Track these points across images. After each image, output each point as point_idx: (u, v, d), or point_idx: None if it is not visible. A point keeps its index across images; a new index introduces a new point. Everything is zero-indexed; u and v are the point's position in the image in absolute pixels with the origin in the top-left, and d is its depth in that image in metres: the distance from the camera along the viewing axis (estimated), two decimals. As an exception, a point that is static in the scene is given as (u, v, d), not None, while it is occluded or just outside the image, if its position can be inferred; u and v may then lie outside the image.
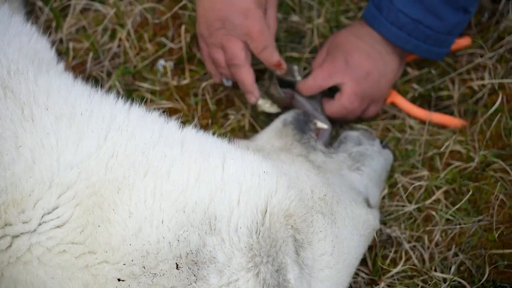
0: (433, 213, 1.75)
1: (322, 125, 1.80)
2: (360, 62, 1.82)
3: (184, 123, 1.51)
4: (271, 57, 1.76)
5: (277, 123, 1.78)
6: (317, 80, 1.83)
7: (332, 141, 1.84)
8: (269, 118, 1.88)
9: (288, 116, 1.78)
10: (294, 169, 1.51)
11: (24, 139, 1.26)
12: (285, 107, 1.85)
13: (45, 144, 1.27)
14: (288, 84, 1.87)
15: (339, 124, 1.92)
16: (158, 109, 1.76)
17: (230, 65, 1.76)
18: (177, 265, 1.27)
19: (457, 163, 1.80)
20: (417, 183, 1.77)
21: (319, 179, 1.51)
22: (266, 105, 1.85)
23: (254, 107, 1.88)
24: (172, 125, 1.45)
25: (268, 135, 1.75)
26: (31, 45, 1.45)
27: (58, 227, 1.26)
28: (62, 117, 1.31)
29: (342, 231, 1.49)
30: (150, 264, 1.27)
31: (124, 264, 1.26)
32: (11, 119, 1.26)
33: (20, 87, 1.31)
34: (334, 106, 1.83)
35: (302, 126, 1.75)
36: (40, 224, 1.26)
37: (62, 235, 1.26)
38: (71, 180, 1.27)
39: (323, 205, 1.46)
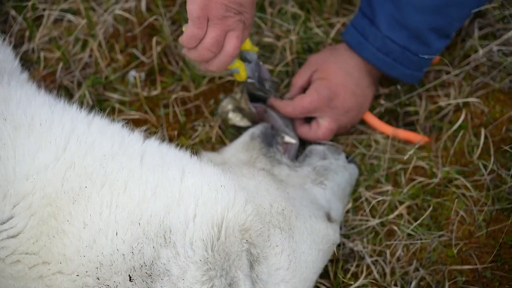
0: (395, 228, 1.77)
1: (290, 139, 1.82)
2: (344, 102, 1.85)
3: (152, 134, 1.54)
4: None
5: (244, 137, 1.80)
6: (296, 110, 1.85)
7: (298, 154, 1.86)
8: (239, 131, 1.90)
9: (256, 130, 1.80)
10: (254, 183, 1.53)
11: (-21, 150, 1.27)
12: (252, 124, 1.87)
13: (1, 155, 1.28)
14: (259, 98, 1.88)
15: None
16: (127, 120, 1.79)
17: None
18: (130, 277, 1.28)
19: (420, 179, 1.82)
20: (381, 198, 1.79)
21: (278, 193, 1.53)
22: (236, 119, 1.87)
23: (224, 120, 1.90)
24: (134, 136, 1.47)
25: (236, 148, 1.77)
26: (-8, 55, 1.46)
27: (12, 237, 1.27)
28: (21, 128, 1.33)
29: (300, 245, 1.50)
30: (104, 276, 1.28)
31: (78, 275, 1.28)
32: (-34, 131, 1.28)
33: (-23, 97, 1.32)
34: (309, 135, 1.87)
35: (269, 140, 1.77)
36: (-6, 234, 1.27)
37: (16, 245, 1.27)
38: (26, 190, 1.29)
39: (281, 219, 1.48)
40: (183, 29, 1.57)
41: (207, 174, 1.40)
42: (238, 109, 1.86)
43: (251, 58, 1.78)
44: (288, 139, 1.83)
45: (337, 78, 1.85)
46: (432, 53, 1.81)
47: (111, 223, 1.30)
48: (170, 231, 1.31)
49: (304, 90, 1.89)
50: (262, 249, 1.40)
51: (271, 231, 1.44)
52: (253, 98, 1.87)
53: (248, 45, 1.75)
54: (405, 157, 1.79)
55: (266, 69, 1.86)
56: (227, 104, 1.87)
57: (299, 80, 1.90)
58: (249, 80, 1.79)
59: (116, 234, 1.29)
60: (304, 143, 1.89)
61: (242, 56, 1.78)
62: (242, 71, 1.74)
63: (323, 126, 1.86)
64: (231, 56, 1.58)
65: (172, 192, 1.35)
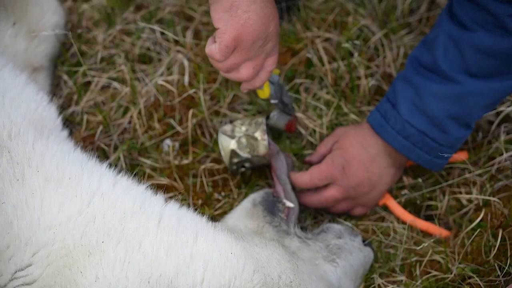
0: (406, 318, 1.77)
1: (290, 204, 1.85)
2: (356, 174, 1.91)
3: (179, 201, 1.61)
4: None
5: (246, 203, 1.84)
6: (314, 177, 1.92)
7: (313, 227, 1.90)
8: (231, 166, 1.95)
9: (257, 196, 1.85)
10: (266, 254, 1.57)
11: (9, 196, 1.36)
12: (253, 157, 1.91)
13: (29, 203, 1.37)
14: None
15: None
16: (156, 185, 1.88)
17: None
18: (134, 333, 1.32)
19: (435, 273, 1.83)
20: (392, 286, 1.80)
21: (289, 266, 1.57)
22: (240, 145, 1.91)
23: (224, 143, 1.92)
24: (155, 198, 1.55)
25: (239, 215, 1.81)
26: (38, 112, 1.58)
27: (27, 284, 1.34)
28: (51, 180, 1.42)
29: (305, 320, 1.53)
30: (110, 329, 1.33)
31: (84, 326, 1.33)
32: (1, 177, 1.37)
33: (17, 148, 1.43)
34: (313, 197, 1.91)
35: (271, 207, 1.82)
36: (11, 280, 1.34)
37: (29, 293, 1.34)
38: (47, 240, 1.36)
39: (289, 291, 1.51)
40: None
41: (219, 240, 1.46)
42: (247, 137, 1.90)
43: (273, 80, 1.87)
44: (288, 203, 1.86)
45: (353, 150, 1.92)
46: (451, 141, 1.85)
47: (122, 279, 1.36)
48: (177, 292, 1.36)
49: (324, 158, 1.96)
50: (265, 320, 1.43)
51: (277, 302, 1.47)
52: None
53: None
54: (419, 247, 1.81)
55: (286, 91, 1.95)
56: (231, 131, 1.92)
57: (323, 148, 1.99)
58: (272, 101, 1.88)
59: (126, 290, 1.35)
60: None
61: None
62: (266, 87, 1.83)
63: (329, 191, 1.92)
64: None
65: (183, 254, 1.41)
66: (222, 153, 1.94)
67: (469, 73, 1.79)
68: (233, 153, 1.92)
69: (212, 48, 1.63)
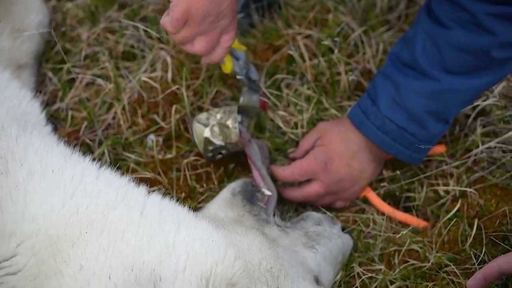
0: (384, 306, 1.82)
1: (268, 192, 1.89)
2: (338, 169, 1.96)
3: (163, 195, 1.65)
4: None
5: (226, 193, 1.87)
6: (295, 172, 1.97)
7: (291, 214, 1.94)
8: (206, 154, 1.99)
9: (236, 185, 1.88)
10: (247, 241, 1.61)
11: (-8, 189, 1.39)
12: (227, 144, 1.95)
13: (13, 196, 1.40)
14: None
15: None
16: (139, 179, 1.91)
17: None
18: (118, 320, 1.36)
19: (413, 262, 1.87)
20: (372, 275, 1.85)
21: (269, 252, 1.61)
22: (213, 133, 1.95)
23: (198, 131, 1.97)
24: (138, 190, 1.58)
25: (219, 204, 1.84)
26: (21, 107, 1.62)
27: (12, 274, 1.37)
28: (35, 173, 1.45)
29: (286, 304, 1.57)
30: (94, 317, 1.36)
31: (69, 315, 1.36)
32: (-16, 171, 1.40)
33: (1, 142, 1.46)
34: (295, 191, 1.95)
35: (250, 196, 1.85)
36: (-5, 270, 1.37)
37: (14, 282, 1.36)
38: (31, 231, 1.39)
39: (269, 277, 1.55)
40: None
41: (201, 229, 1.50)
42: (220, 125, 1.94)
43: (239, 56, 1.92)
44: (266, 192, 1.90)
45: (335, 146, 1.96)
46: (430, 136, 1.90)
47: (106, 267, 1.39)
48: (160, 280, 1.40)
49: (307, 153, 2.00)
50: (247, 304, 1.47)
51: (258, 287, 1.51)
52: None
53: (235, 43, 1.88)
54: (397, 236, 1.85)
55: (254, 68, 1.99)
56: (207, 119, 1.96)
57: (305, 143, 2.03)
58: (238, 77, 1.93)
59: (110, 278, 1.38)
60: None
61: (231, 53, 1.90)
62: (227, 62, 1.88)
63: (312, 186, 1.97)
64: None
65: (166, 243, 1.45)
66: (196, 140, 1.99)
67: (446, 70, 1.82)
68: (207, 141, 1.97)
69: (165, 20, 1.69)
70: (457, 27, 1.78)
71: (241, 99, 2.00)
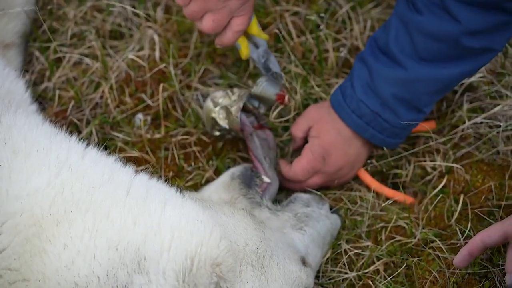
0: (371, 282, 1.83)
1: (267, 179, 1.89)
2: (336, 160, 1.96)
3: (151, 174, 1.65)
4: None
5: (225, 177, 1.89)
6: (298, 176, 1.97)
7: (283, 198, 1.95)
8: (212, 132, 1.98)
9: (236, 170, 1.89)
10: (233, 222, 1.62)
11: (-24, 168, 1.39)
12: (231, 129, 1.93)
13: (-3, 175, 1.40)
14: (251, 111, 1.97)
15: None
16: (128, 158, 1.91)
17: None
18: (103, 298, 1.37)
19: (400, 238, 1.89)
20: (358, 251, 1.86)
21: (255, 233, 1.62)
22: (219, 115, 1.93)
23: (208, 109, 1.93)
24: (124, 170, 1.58)
25: (216, 187, 1.86)
26: (4, 86, 1.61)
27: (-4, 252, 1.38)
28: (19, 152, 1.45)
29: (271, 284, 1.58)
30: (79, 296, 1.38)
31: (54, 294, 1.37)
32: (-32, 150, 1.40)
33: (-16, 122, 1.46)
34: (297, 185, 1.99)
35: (248, 181, 1.87)
36: (-21, 249, 1.37)
37: (-1, 261, 1.37)
38: (15, 210, 1.39)
39: (255, 257, 1.57)
40: None
41: (187, 208, 1.50)
42: (226, 109, 1.92)
43: (260, 44, 1.87)
44: (266, 179, 1.91)
45: (329, 137, 1.96)
46: (403, 123, 1.87)
47: (90, 246, 1.40)
48: (145, 259, 1.40)
49: (305, 141, 2.00)
50: (232, 284, 1.48)
51: (243, 268, 1.52)
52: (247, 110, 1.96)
53: (255, 29, 1.84)
54: (381, 211, 1.87)
55: (275, 60, 1.92)
56: (221, 98, 1.93)
57: (298, 132, 2.01)
58: (257, 64, 1.89)
59: (94, 257, 1.39)
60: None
61: (251, 39, 1.87)
62: (243, 48, 1.84)
63: (312, 179, 1.98)
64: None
65: (151, 222, 1.45)
66: (204, 118, 1.98)
67: (418, 57, 1.79)
68: (214, 121, 1.95)
69: None
70: (428, 12, 1.73)
71: (255, 88, 1.92)
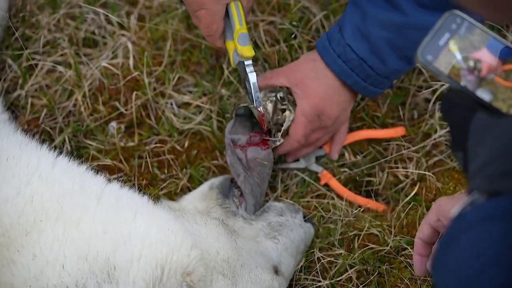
0: (343, 290, 1.84)
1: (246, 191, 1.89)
2: (331, 114, 1.93)
3: (124, 182, 1.65)
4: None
5: (204, 186, 1.89)
6: (296, 141, 1.95)
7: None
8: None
9: (216, 180, 1.90)
10: (205, 231, 1.62)
11: None
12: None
13: (-35, 185, 1.39)
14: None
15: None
16: (101, 166, 1.90)
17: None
18: (71, 309, 1.36)
19: (372, 245, 1.90)
20: (331, 259, 1.87)
21: (227, 242, 1.62)
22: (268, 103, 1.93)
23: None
24: (95, 179, 1.58)
25: (194, 197, 1.86)
26: (-24, 96, 1.60)
27: (-37, 264, 1.36)
28: (-12, 163, 1.44)
29: (242, 293, 1.58)
30: (47, 306, 1.36)
31: (22, 305, 1.36)
32: None
33: (-47, 131, 1.45)
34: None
35: (226, 191, 1.87)
36: None
37: (-33, 272, 1.36)
38: None
39: (226, 266, 1.57)
40: None
41: (158, 217, 1.50)
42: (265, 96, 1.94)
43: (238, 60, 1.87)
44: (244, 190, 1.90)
45: (319, 95, 1.91)
46: (388, 72, 1.85)
47: (60, 256, 1.39)
48: (115, 268, 1.40)
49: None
50: (202, 293, 1.48)
51: (214, 277, 1.52)
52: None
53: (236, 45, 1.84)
54: (354, 218, 1.87)
55: (255, 83, 1.88)
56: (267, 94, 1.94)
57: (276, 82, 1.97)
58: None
59: (63, 267, 1.38)
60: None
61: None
62: (230, 56, 1.87)
63: (312, 135, 1.97)
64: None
65: (121, 231, 1.45)
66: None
67: (418, 3, 1.74)
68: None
69: None
70: None
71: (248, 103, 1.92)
